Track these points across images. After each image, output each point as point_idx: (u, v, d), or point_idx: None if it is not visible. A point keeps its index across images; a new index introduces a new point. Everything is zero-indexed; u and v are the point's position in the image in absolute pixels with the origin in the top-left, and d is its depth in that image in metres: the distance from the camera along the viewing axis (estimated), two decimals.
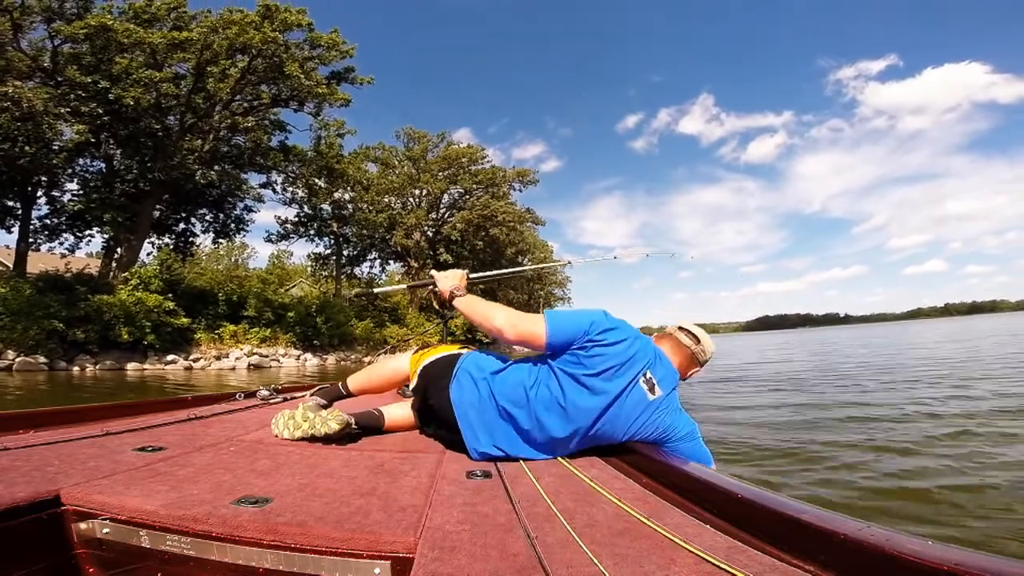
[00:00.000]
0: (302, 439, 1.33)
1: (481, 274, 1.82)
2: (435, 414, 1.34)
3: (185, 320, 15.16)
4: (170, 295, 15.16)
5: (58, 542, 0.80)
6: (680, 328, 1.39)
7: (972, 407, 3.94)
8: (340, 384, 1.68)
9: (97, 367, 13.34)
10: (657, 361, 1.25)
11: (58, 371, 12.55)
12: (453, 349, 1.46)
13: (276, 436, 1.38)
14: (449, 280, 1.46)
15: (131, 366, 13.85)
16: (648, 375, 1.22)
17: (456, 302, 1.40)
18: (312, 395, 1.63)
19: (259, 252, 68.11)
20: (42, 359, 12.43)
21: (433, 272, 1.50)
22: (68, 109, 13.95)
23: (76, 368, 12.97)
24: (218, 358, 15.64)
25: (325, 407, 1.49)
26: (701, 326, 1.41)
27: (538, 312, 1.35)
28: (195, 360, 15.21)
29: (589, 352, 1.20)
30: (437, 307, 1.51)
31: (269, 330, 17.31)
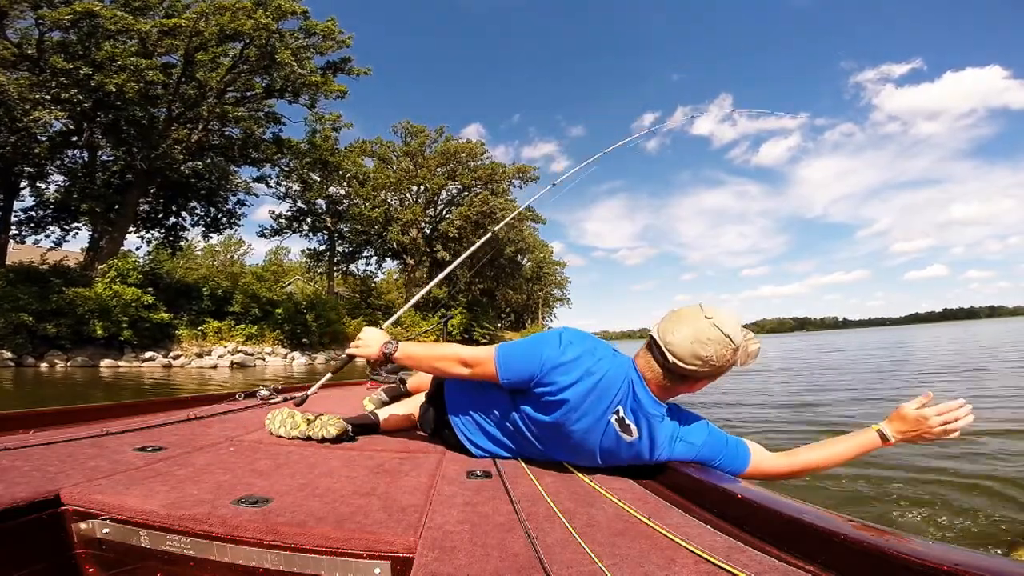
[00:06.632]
0: (297, 439, 1.34)
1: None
2: (437, 413, 1.36)
3: (166, 315, 14.63)
4: (150, 289, 14.66)
5: (58, 542, 0.80)
6: (650, 343, 1.03)
7: None
8: (399, 383, 1.88)
9: (68, 364, 12.75)
10: (629, 396, 1.02)
11: (26, 367, 11.97)
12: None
13: (271, 432, 1.39)
14: (373, 341, 1.26)
15: (105, 363, 13.24)
16: (620, 413, 1.01)
17: (397, 356, 1.22)
18: (374, 391, 1.77)
19: (256, 249, 67.27)
20: (8, 354, 11.83)
21: (348, 350, 1.33)
22: (48, 96, 13.52)
23: (45, 364, 12.39)
24: (199, 355, 15.13)
25: (387, 403, 1.72)
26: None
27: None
28: (175, 357, 14.68)
29: (542, 400, 1.06)
30: (375, 370, 1.51)
31: (255, 327, 16.84)
